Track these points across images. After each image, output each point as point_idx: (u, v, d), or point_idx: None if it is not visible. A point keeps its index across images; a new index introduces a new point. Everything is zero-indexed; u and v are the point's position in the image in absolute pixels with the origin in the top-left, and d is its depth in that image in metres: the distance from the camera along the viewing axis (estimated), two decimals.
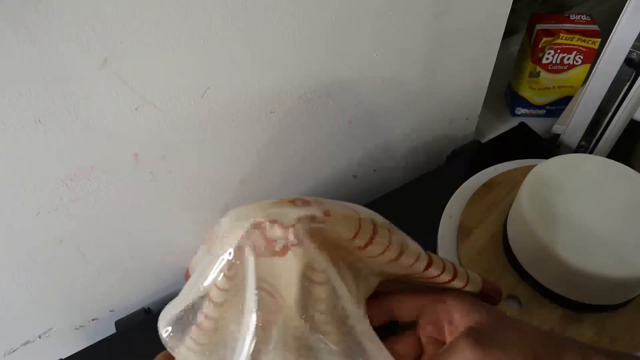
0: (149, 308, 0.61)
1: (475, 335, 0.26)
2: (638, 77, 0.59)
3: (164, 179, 0.48)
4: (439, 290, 0.30)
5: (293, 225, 0.24)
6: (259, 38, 0.43)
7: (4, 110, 0.36)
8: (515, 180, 0.60)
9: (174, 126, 0.45)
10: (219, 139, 0.48)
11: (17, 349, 0.56)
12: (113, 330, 0.58)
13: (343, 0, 0.45)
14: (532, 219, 0.48)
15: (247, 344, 0.25)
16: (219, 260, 0.25)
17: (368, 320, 0.27)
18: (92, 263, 0.51)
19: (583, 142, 0.69)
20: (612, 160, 0.52)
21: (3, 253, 0.45)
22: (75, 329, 0.58)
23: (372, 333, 0.27)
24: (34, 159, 0.40)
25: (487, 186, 0.60)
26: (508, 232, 0.53)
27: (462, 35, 0.58)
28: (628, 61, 0.58)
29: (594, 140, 0.68)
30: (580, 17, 0.71)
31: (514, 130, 0.73)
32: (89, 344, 0.56)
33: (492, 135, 0.77)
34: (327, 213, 0.25)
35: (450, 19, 0.54)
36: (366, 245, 0.26)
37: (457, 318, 0.28)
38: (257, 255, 0.25)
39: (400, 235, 0.28)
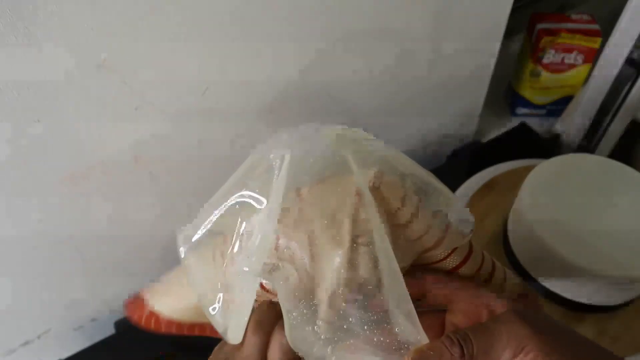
0: None
1: (522, 313, 0.26)
2: (639, 76, 0.59)
3: (164, 179, 0.48)
4: (470, 284, 0.29)
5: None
6: (258, 38, 0.43)
7: (4, 110, 0.36)
8: (515, 180, 0.59)
9: (174, 126, 0.44)
10: (218, 139, 0.48)
11: (16, 349, 0.56)
12: (112, 331, 0.58)
13: (343, 0, 0.45)
14: (532, 219, 0.47)
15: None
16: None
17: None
18: (91, 263, 0.51)
19: (584, 142, 0.69)
20: (613, 160, 0.52)
21: (2, 253, 0.45)
22: (75, 329, 0.58)
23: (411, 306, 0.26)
24: (34, 159, 0.40)
25: (488, 186, 0.60)
26: (508, 232, 0.53)
27: (462, 35, 0.58)
28: (629, 61, 0.58)
29: (595, 140, 0.68)
30: (581, 17, 0.71)
31: (515, 130, 0.73)
32: (88, 345, 0.56)
33: (492, 135, 0.77)
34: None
35: (450, 18, 0.54)
36: (408, 223, 0.26)
37: (498, 307, 0.27)
38: None
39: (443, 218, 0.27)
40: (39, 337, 0.56)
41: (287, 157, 0.25)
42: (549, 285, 0.49)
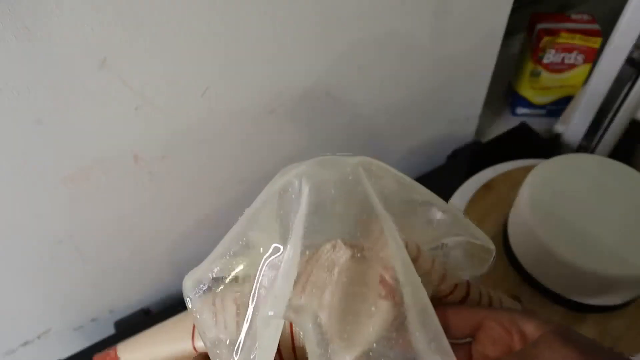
0: (148, 308, 0.60)
1: (563, 333, 0.24)
2: (639, 76, 0.58)
3: (164, 179, 0.48)
4: (498, 309, 0.28)
5: None
6: (258, 38, 0.43)
7: (4, 110, 0.36)
8: (515, 181, 0.60)
9: (174, 126, 0.44)
10: (218, 139, 0.48)
11: (16, 349, 0.56)
12: (112, 331, 0.58)
13: (343, 0, 0.45)
14: (533, 219, 0.47)
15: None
16: None
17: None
18: (91, 263, 0.51)
19: (584, 142, 0.69)
20: (613, 160, 0.52)
21: (2, 253, 0.45)
22: (74, 329, 0.58)
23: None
24: (34, 159, 0.40)
25: (488, 186, 0.60)
26: (509, 233, 0.53)
27: (462, 35, 0.58)
28: (629, 61, 0.58)
29: (595, 140, 0.68)
30: (582, 17, 0.71)
31: (515, 130, 0.73)
32: (88, 345, 0.56)
33: (492, 135, 0.77)
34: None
35: (450, 18, 0.54)
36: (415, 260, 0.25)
37: (531, 329, 0.25)
38: None
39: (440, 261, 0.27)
40: (39, 337, 0.56)
41: (307, 189, 0.24)
42: (549, 286, 0.49)
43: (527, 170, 0.52)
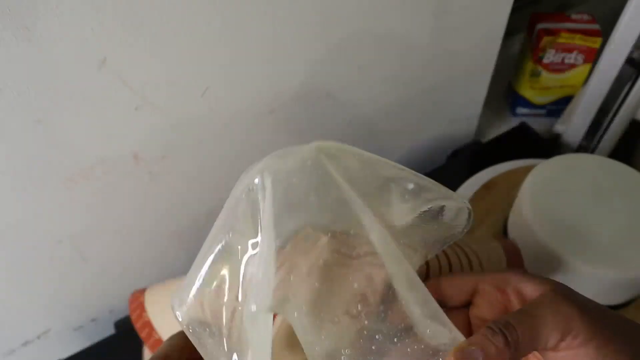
0: None
1: (564, 291, 0.24)
2: (639, 76, 0.58)
3: (164, 179, 0.48)
4: (491, 272, 0.28)
5: None
6: (258, 38, 0.43)
7: (4, 110, 0.36)
8: (515, 181, 0.60)
9: (174, 126, 0.44)
10: (218, 139, 0.48)
11: (16, 349, 0.56)
12: (112, 331, 0.58)
13: (343, 0, 0.45)
14: (533, 220, 0.47)
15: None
16: None
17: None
18: (91, 263, 0.51)
19: (584, 142, 0.69)
20: (614, 160, 0.52)
21: (2, 253, 0.45)
22: (74, 329, 0.58)
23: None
24: (34, 159, 0.40)
25: (488, 186, 0.60)
26: (509, 233, 0.53)
27: (462, 35, 0.58)
28: (629, 61, 0.58)
29: (595, 140, 0.68)
30: (581, 17, 0.71)
31: (515, 130, 0.73)
32: (88, 345, 0.56)
33: (492, 135, 0.77)
34: None
35: (450, 18, 0.54)
36: None
37: (529, 289, 0.26)
38: None
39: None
40: (39, 337, 0.56)
41: (269, 182, 0.24)
42: None
43: (527, 170, 0.52)
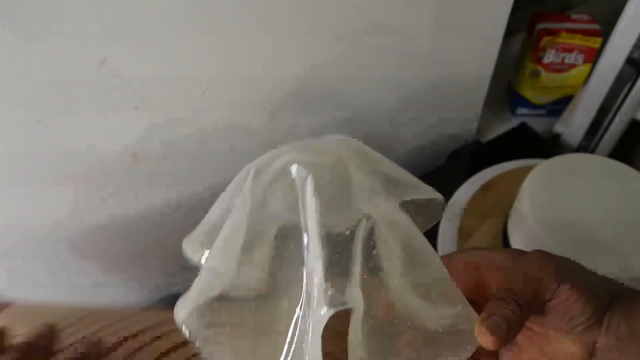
0: (148, 309, 0.60)
1: (544, 251, 0.27)
2: (639, 76, 0.58)
3: (164, 179, 0.48)
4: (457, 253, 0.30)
5: None
6: (258, 37, 0.43)
7: (4, 110, 0.36)
8: (515, 181, 0.59)
9: (174, 126, 0.44)
10: (218, 139, 0.48)
11: None
12: None
13: (344, 1, 0.45)
14: (533, 220, 0.47)
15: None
16: None
17: None
18: (90, 263, 0.51)
19: (584, 142, 0.69)
20: (614, 160, 0.52)
21: (2, 253, 0.45)
22: None
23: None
24: (34, 159, 0.40)
25: (488, 187, 0.60)
26: (509, 233, 0.53)
27: (462, 35, 0.58)
28: (629, 61, 0.58)
29: (595, 140, 0.68)
30: (581, 17, 0.71)
31: (515, 130, 0.73)
32: None
33: (492, 135, 0.77)
34: None
35: (450, 18, 0.54)
36: None
37: (500, 260, 0.28)
38: None
39: None
40: None
41: (310, 180, 0.25)
42: None
43: (527, 170, 0.52)
